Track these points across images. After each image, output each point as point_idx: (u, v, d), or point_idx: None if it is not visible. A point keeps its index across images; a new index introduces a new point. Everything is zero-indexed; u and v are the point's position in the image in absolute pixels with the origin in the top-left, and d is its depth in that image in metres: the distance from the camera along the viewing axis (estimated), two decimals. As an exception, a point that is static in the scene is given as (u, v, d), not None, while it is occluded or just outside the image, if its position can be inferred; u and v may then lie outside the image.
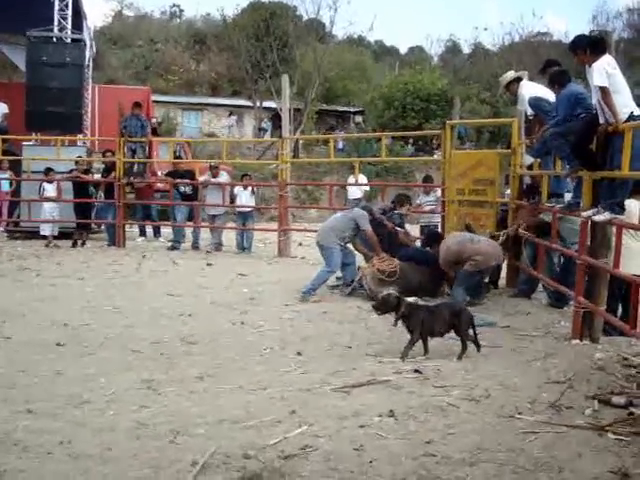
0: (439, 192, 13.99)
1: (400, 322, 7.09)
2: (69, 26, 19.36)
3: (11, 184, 17.94)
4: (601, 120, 7.49)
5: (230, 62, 45.61)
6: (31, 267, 12.91)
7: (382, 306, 7.25)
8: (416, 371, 6.35)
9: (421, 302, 9.73)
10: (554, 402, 5.53)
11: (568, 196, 9.45)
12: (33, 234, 16.91)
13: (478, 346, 7.04)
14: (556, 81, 8.64)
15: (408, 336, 6.99)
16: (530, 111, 9.57)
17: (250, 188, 16.31)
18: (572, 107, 8.24)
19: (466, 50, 56.51)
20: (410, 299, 9.49)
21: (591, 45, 7.59)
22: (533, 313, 9.29)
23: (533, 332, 8.27)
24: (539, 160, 10.17)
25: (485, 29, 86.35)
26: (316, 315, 9.22)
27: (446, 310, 7.18)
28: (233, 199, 16.41)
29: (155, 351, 7.17)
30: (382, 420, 5.10)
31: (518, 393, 5.79)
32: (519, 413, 5.29)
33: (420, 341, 6.97)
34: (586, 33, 10.76)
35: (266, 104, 41.39)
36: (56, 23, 19.16)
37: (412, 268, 10.49)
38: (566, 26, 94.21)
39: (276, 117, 34.30)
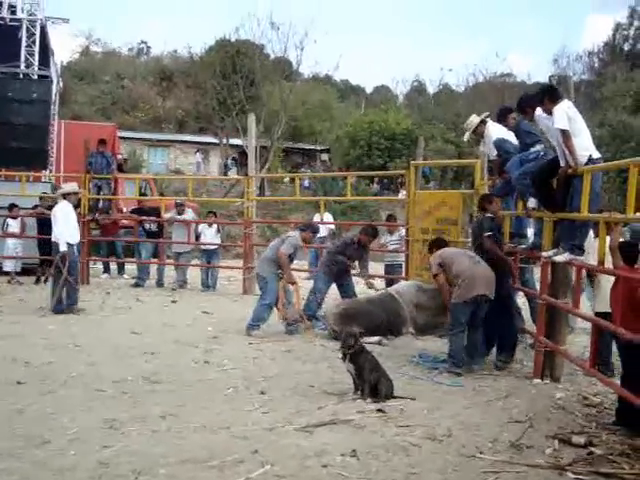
0: (403, 231, 14.10)
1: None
2: (36, 62, 19.42)
3: (-26, 220, 17.77)
4: (562, 162, 7.66)
5: (197, 99, 45.79)
6: (-7, 303, 12.79)
7: (349, 340, 7.05)
8: (379, 410, 6.39)
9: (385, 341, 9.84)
10: (515, 441, 5.61)
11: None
12: (-5, 270, 16.75)
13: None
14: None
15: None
16: (494, 152, 9.71)
17: (215, 226, 16.32)
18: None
19: (431, 90, 57.30)
20: (373, 339, 9.59)
21: (548, 93, 7.81)
22: (494, 353, 9.35)
23: (495, 372, 8.35)
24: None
25: (450, 70, 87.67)
26: (280, 354, 9.22)
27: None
28: (198, 236, 16.40)
29: (118, 390, 7.12)
30: (345, 460, 5.12)
31: (480, 432, 5.86)
32: (480, 452, 5.35)
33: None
34: (543, 80, 11.02)
35: (233, 141, 41.54)
36: (23, 59, 19.23)
37: (376, 306, 10.55)
38: (528, 67, 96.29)
39: (243, 154, 34.41)
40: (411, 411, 6.45)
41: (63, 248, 12.09)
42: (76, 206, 14.95)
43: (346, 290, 11.59)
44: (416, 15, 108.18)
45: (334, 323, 10.33)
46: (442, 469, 5.01)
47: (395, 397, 6.84)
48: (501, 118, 9.61)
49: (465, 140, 10.48)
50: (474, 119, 9.94)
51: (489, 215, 9.07)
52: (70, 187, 13.10)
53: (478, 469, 5.03)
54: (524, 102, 8.70)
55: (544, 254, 8.01)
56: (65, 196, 12.73)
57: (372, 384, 6.84)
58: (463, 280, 8.34)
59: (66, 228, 12.25)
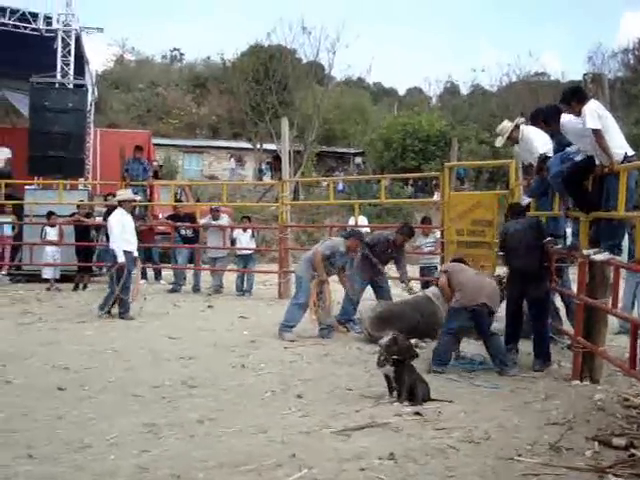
0: (438, 233, 14.05)
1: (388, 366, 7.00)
2: (71, 72, 19.61)
3: (14, 228, 18.01)
4: (597, 162, 7.58)
5: (230, 105, 45.98)
6: (33, 310, 12.94)
7: (392, 347, 7.01)
8: (416, 413, 6.36)
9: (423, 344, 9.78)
10: (554, 444, 5.55)
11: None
12: (35, 277, 16.97)
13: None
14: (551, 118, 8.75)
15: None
16: (534, 154, 9.48)
17: (250, 231, 16.38)
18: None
19: (464, 91, 56.99)
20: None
21: (575, 94, 7.73)
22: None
23: (534, 373, 8.28)
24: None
25: (483, 70, 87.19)
26: (316, 357, 9.23)
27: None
28: (234, 241, 16.46)
29: (156, 395, 7.17)
30: (382, 463, 5.11)
31: (518, 435, 5.81)
32: (519, 455, 5.30)
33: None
34: (578, 79, 10.87)
35: (266, 146, 41.66)
36: (59, 69, 19.43)
37: (412, 309, 10.51)
38: (562, 66, 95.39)
39: (276, 159, 34.51)
40: (448, 414, 6.42)
41: (120, 258, 12.18)
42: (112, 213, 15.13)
43: (381, 292, 11.55)
44: (448, 15, 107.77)
45: (369, 326, 10.31)
46: (480, 472, 4.97)
47: (432, 400, 6.81)
48: (535, 120, 9.47)
49: (498, 146, 10.33)
50: (507, 124, 9.82)
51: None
52: (125, 194, 13.16)
53: (517, 472, 4.98)
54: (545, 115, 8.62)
55: (584, 252, 7.91)
56: (120, 203, 12.82)
57: (409, 387, 6.82)
58: (466, 287, 8.49)
59: (121, 236, 12.33)
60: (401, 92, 65.00)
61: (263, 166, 41.84)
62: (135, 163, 18.08)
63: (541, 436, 5.77)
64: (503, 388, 7.53)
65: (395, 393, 6.89)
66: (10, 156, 20.33)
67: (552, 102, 9.37)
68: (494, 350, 8.40)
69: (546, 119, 8.61)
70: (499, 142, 10.00)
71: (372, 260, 11.35)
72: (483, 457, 5.27)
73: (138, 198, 16.15)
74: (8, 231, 17.95)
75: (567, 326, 9.46)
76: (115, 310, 12.31)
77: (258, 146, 42.72)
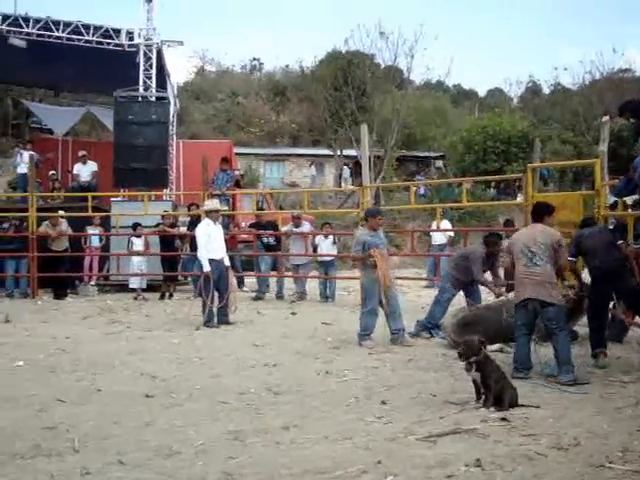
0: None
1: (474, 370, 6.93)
2: (154, 85, 20.05)
3: (101, 239, 18.46)
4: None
5: (310, 112, 46.20)
6: (121, 320, 13.26)
7: (467, 351, 7.01)
8: (503, 419, 6.26)
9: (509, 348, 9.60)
10: (646, 450, 5.39)
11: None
12: (122, 287, 17.38)
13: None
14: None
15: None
16: None
17: (331, 237, 16.42)
18: None
19: (546, 90, 55.98)
20: (494, 346, 9.41)
21: None
22: (624, 357, 9.06)
23: (624, 377, 8.06)
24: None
25: (565, 69, 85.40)
26: (401, 363, 9.18)
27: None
28: (315, 248, 16.53)
29: (241, 402, 7.24)
30: (468, 470, 5.04)
31: (608, 441, 5.64)
32: (610, 462, 5.14)
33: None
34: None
35: (346, 152, 41.71)
36: (141, 83, 19.89)
37: (496, 312, 10.34)
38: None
39: (357, 165, 34.52)
40: (536, 419, 6.30)
41: (206, 268, 12.38)
42: (196, 222, 15.32)
43: (473, 297, 11.39)
44: (527, 14, 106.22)
45: (452, 332, 10.21)
46: (569, 479, 4.86)
47: (519, 405, 6.70)
48: (622, 114, 9.20)
49: (601, 150, 10.03)
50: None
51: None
52: (212, 204, 13.34)
53: (607, 479, 4.86)
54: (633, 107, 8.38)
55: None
56: (207, 213, 13.03)
57: (496, 393, 6.72)
58: (515, 281, 8.33)
59: (207, 246, 12.52)
60: (481, 94, 64.39)
61: (343, 172, 41.89)
62: (221, 173, 18.38)
63: (633, 442, 5.59)
64: (592, 393, 7.35)
65: (482, 399, 6.81)
66: (96, 169, 20.85)
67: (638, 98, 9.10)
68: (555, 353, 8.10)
69: (634, 111, 8.39)
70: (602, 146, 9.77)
71: (474, 271, 11.16)
72: (572, 464, 5.14)
73: (225, 208, 16.40)
74: (96, 242, 18.40)
75: None
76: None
77: (338, 152, 42.81)
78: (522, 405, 6.70)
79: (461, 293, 11.46)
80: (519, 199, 26.68)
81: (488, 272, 11.41)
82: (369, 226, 10.92)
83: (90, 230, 18.06)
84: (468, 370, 6.95)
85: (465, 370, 7.02)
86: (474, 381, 6.92)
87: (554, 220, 8.69)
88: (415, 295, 16.35)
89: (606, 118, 9.98)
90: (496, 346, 9.62)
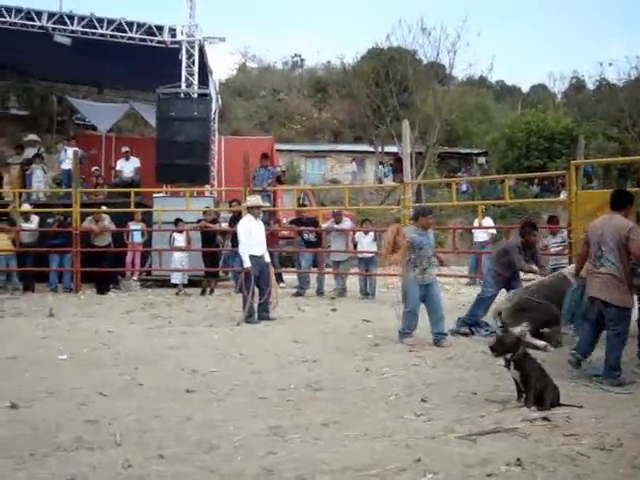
0: (565, 233, 13.68)
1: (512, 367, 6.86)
2: (196, 82, 20.14)
3: (143, 235, 18.62)
4: None
5: (351, 108, 46.17)
6: (162, 315, 13.36)
7: (498, 347, 6.99)
8: (544, 419, 6.19)
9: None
10: (692, 452, 5.29)
11: None
12: (164, 282, 17.52)
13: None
14: None
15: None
16: None
17: (372, 234, 16.38)
18: None
19: (591, 86, 55.24)
20: (539, 344, 9.31)
21: None
22: None
23: (669, 378, 7.94)
24: None
25: (610, 64, 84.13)
26: (441, 361, 9.12)
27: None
28: (356, 245, 16.51)
29: (281, 397, 7.24)
30: (509, 469, 4.98)
31: (653, 442, 5.56)
32: (654, 463, 5.08)
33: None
34: None
35: (388, 149, 41.60)
36: (183, 79, 19.99)
37: (550, 292, 10.17)
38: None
39: (398, 161, 34.42)
40: (578, 419, 6.21)
41: (246, 263, 12.44)
42: (237, 219, 15.36)
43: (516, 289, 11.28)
44: (571, 8, 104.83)
45: (506, 317, 10.11)
46: (613, 480, 4.80)
47: (561, 405, 6.62)
48: None
49: None
50: None
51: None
52: (254, 200, 13.38)
53: (652, 481, 4.78)
54: None
55: None
56: (249, 209, 13.08)
57: (538, 392, 6.64)
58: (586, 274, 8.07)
59: (248, 242, 12.58)
60: (525, 89, 63.73)
61: (385, 169, 41.79)
62: (262, 170, 18.45)
63: (678, 444, 5.51)
64: (636, 393, 7.23)
65: (523, 398, 6.74)
66: (139, 165, 21.04)
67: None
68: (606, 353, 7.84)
69: None
70: None
71: (515, 265, 11.10)
72: (615, 465, 5.07)
73: (267, 204, 16.45)
74: (138, 238, 18.56)
75: None
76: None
77: (380, 149, 42.71)
78: (564, 405, 6.62)
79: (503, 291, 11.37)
80: (562, 196, 26.40)
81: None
82: (419, 225, 10.79)
83: (132, 225, 18.22)
84: (507, 367, 6.89)
85: (505, 367, 6.96)
86: (515, 380, 6.86)
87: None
88: (456, 293, 16.27)
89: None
90: (541, 343, 9.52)
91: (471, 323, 11.17)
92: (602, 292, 7.71)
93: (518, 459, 5.11)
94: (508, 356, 6.83)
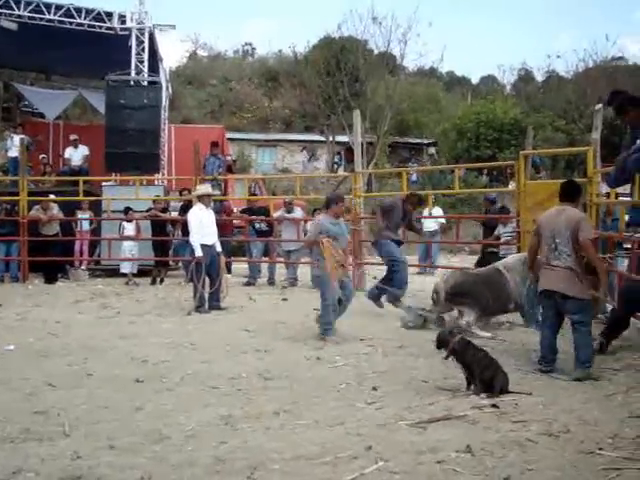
0: (515, 223, 13.85)
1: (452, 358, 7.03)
2: (146, 69, 19.96)
3: (91, 223, 18.39)
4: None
5: (302, 98, 46.04)
6: (112, 304, 13.24)
7: (436, 342, 7.27)
8: (493, 406, 6.28)
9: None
10: (637, 437, 5.41)
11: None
12: (113, 272, 17.35)
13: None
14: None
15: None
16: None
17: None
18: None
19: (539, 78, 55.88)
20: (485, 334, 9.49)
21: None
22: (614, 345, 9.06)
23: (614, 365, 8.08)
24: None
25: (558, 56, 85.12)
26: (392, 349, 9.18)
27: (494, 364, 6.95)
28: (307, 234, 16.49)
29: (232, 387, 7.24)
30: (459, 456, 5.05)
31: (599, 428, 5.66)
32: (600, 449, 5.17)
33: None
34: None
35: (339, 138, 41.62)
36: (133, 67, 19.79)
37: (484, 282, 10.41)
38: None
39: (349, 151, 34.46)
40: (526, 406, 6.31)
41: (198, 253, 12.35)
42: (188, 208, 15.26)
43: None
44: (520, 0, 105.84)
45: (445, 298, 10.28)
46: (560, 466, 4.87)
47: (510, 392, 6.71)
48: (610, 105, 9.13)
49: (593, 138, 9.96)
50: None
51: None
52: (204, 189, 13.29)
53: (598, 466, 4.86)
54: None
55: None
56: (199, 198, 12.99)
57: (487, 379, 6.73)
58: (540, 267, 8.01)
59: (199, 231, 12.49)
60: (474, 80, 64.19)
61: (336, 158, 41.82)
62: (212, 158, 18.34)
63: (623, 429, 5.62)
64: (582, 380, 7.37)
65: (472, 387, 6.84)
66: (88, 153, 20.78)
67: (631, 88, 9.09)
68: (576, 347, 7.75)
69: (617, 110, 8.34)
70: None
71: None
72: (562, 451, 5.17)
73: (217, 193, 16.36)
74: (86, 227, 18.34)
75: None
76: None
77: (331, 138, 42.73)
78: (513, 392, 6.72)
79: None
80: (511, 186, 26.70)
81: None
82: (331, 213, 10.19)
83: (80, 214, 17.99)
84: (445, 359, 7.07)
85: (444, 359, 7.12)
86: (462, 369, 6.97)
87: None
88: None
89: (599, 106, 9.99)
90: (487, 334, 9.68)
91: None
92: (559, 285, 7.65)
93: (468, 446, 5.17)
94: (446, 350, 7.03)
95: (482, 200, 15.06)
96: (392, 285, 11.71)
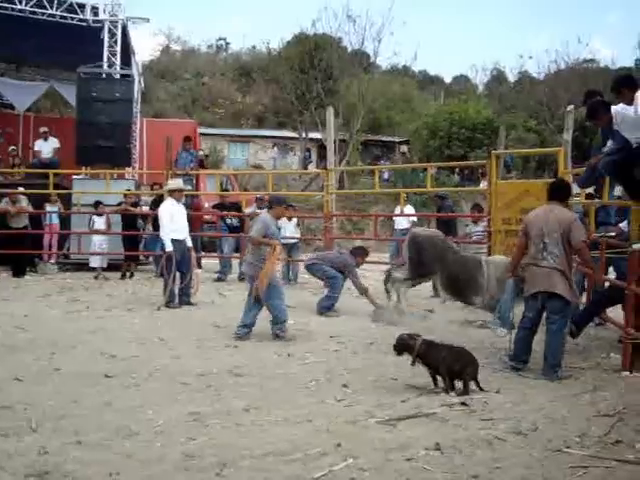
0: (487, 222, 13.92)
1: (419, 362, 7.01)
2: (118, 62, 19.79)
3: (60, 216, 18.20)
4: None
5: (276, 94, 46.03)
6: (80, 299, 13.10)
7: (398, 347, 7.16)
8: (463, 404, 6.31)
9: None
10: (603, 436, 5.47)
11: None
12: (82, 266, 17.18)
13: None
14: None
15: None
16: None
17: (295, 220, 16.38)
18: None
19: (511, 78, 56.29)
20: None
21: (626, 82, 7.53)
22: (582, 345, 9.16)
23: (582, 364, 8.16)
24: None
25: (530, 57, 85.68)
26: (362, 346, 9.20)
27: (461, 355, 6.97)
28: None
29: (202, 383, 7.21)
30: (428, 453, 5.07)
31: (566, 426, 5.72)
32: (567, 447, 5.22)
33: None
34: (628, 66, 10.65)
35: (312, 135, 41.66)
36: (105, 59, 19.61)
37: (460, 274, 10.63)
38: (612, 52, 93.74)
39: (322, 148, 34.50)
40: (495, 404, 6.36)
41: (168, 248, 12.28)
42: (159, 202, 15.16)
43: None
44: (494, 1, 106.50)
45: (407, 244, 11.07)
46: (527, 464, 4.91)
47: (480, 388, 6.74)
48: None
49: (565, 139, 10.04)
50: None
51: None
52: (176, 184, 13.21)
53: (565, 464, 4.91)
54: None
55: (634, 246, 7.73)
56: (170, 193, 12.91)
57: (456, 372, 6.77)
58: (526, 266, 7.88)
59: (170, 226, 12.41)
60: (447, 80, 64.54)
61: (308, 155, 41.86)
62: (184, 153, 18.24)
63: (590, 428, 5.68)
64: (551, 379, 7.42)
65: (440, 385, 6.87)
66: (58, 146, 20.56)
67: (602, 89, 9.17)
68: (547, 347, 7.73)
69: (588, 113, 8.39)
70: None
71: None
72: (530, 449, 5.21)
73: (188, 188, 16.27)
74: (56, 220, 18.15)
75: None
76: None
77: (303, 135, 42.73)
78: (482, 390, 6.75)
79: None
80: (482, 185, 26.86)
81: None
82: (273, 214, 10.14)
83: (49, 207, 17.80)
84: (413, 365, 7.04)
85: (411, 365, 7.07)
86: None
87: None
88: (376, 280, 16.38)
89: (571, 107, 10.08)
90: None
91: None
92: (545, 284, 7.59)
93: (437, 443, 5.20)
94: (409, 356, 7.02)
95: (432, 197, 15.38)
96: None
